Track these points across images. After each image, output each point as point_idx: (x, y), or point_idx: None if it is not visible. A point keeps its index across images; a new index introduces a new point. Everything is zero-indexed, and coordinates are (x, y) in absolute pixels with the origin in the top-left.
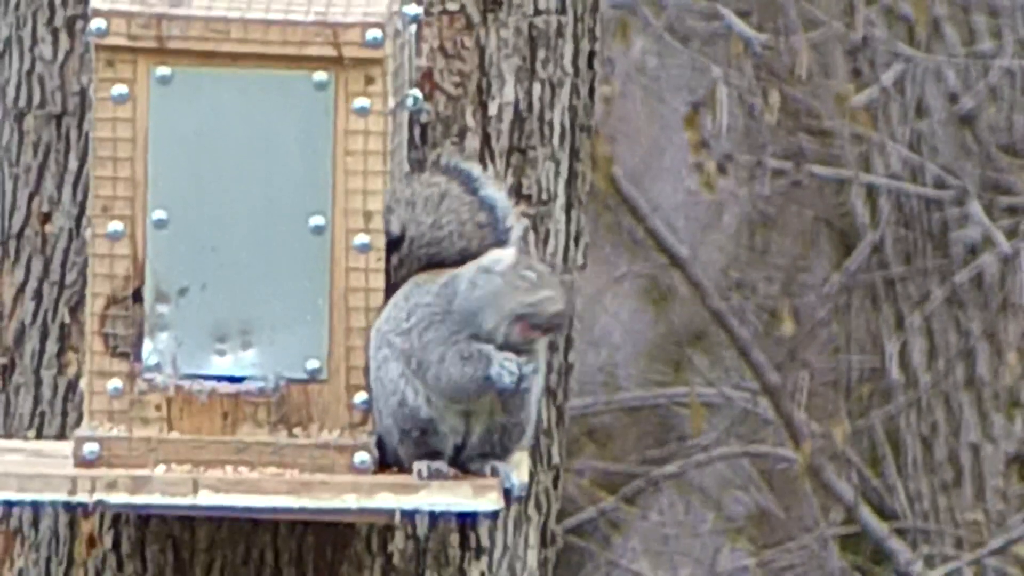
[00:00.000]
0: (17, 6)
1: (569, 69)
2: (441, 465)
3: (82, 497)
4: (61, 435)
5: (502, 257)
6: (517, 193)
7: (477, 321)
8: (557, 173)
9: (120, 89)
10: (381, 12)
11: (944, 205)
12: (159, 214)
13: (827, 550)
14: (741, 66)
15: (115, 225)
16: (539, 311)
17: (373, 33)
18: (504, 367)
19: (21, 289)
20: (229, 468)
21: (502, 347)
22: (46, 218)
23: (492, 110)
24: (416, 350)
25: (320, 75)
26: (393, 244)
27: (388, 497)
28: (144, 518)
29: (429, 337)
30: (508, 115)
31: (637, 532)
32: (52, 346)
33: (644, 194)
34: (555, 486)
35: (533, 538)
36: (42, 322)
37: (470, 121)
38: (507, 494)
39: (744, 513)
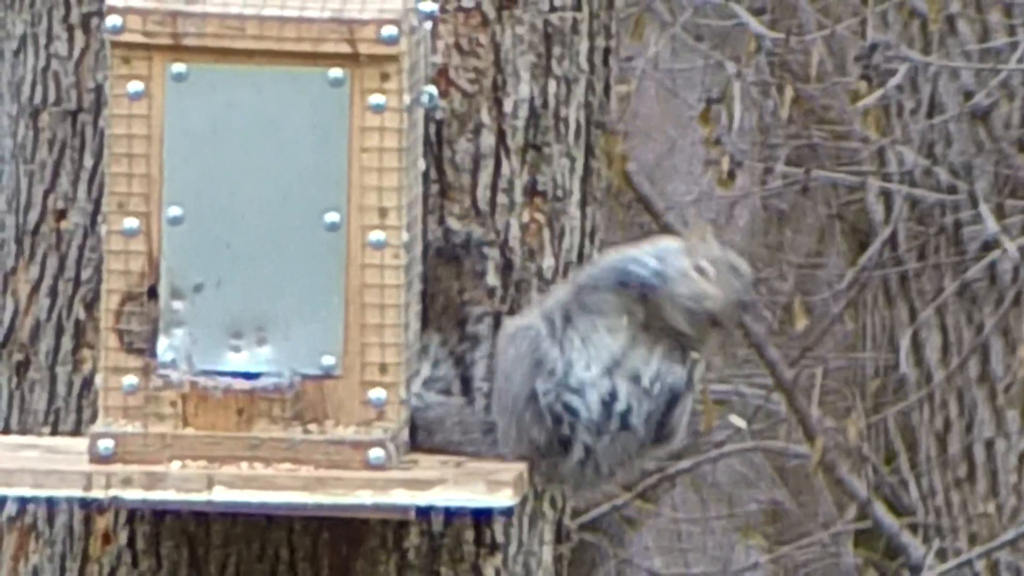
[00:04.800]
0: (32, 3)
1: (584, 66)
2: None
3: (97, 493)
4: (76, 431)
5: (687, 247)
6: (532, 190)
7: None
8: (572, 170)
9: (136, 86)
10: (397, 9)
11: (958, 205)
12: (174, 211)
13: (841, 546)
14: (755, 63)
15: (130, 222)
16: (699, 306)
17: (389, 30)
18: (641, 260)
19: (36, 286)
20: (244, 464)
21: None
22: (61, 215)
23: (507, 107)
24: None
25: (336, 72)
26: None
27: (403, 493)
28: (159, 514)
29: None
30: (523, 112)
31: (651, 529)
32: (67, 343)
33: (658, 191)
34: None
35: (548, 534)
36: (57, 319)
37: (485, 118)
38: None
39: (758, 509)
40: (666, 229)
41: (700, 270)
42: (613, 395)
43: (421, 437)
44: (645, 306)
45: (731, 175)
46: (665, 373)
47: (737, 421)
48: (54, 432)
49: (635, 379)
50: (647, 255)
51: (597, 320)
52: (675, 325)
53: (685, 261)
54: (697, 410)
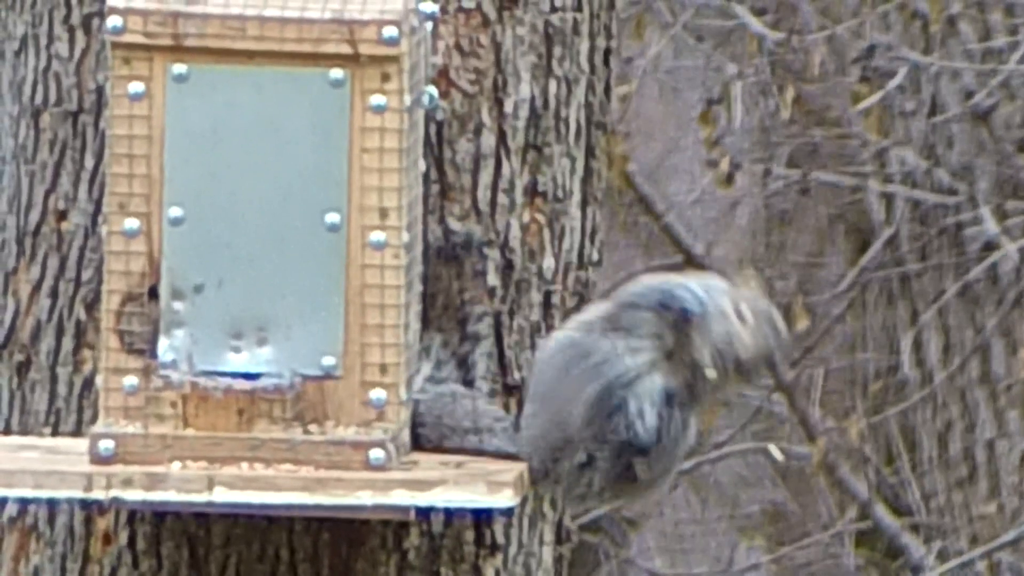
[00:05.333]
0: (33, 4)
1: (585, 66)
2: None
3: (98, 494)
4: (77, 432)
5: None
6: (532, 191)
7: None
8: (573, 170)
9: (136, 87)
10: (397, 9)
11: (960, 206)
12: (175, 211)
13: (842, 546)
14: (756, 64)
15: (131, 222)
16: (729, 348)
17: (389, 31)
18: (688, 287)
19: (37, 287)
20: (244, 465)
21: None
22: (62, 216)
23: (508, 107)
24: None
25: (336, 72)
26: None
27: (403, 494)
28: (159, 515)
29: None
30: (524, 112)
31: (652, 529)
32: (68, 343)
33: (659, 191)
34: None
35: (548, 535)
36: (58, 319)
37: (486, 118)
38: None
39: (759, 510)
40: (666, 230)
41: (740, 315)
42: (620, 407)
43: (429, 427)
44: (676, 335)
45: (729, 178)
46: (635, 415)
47: (775, 452)
48: (55, 433)
49: (637, 398)
50: (694, 284)
51: (619, 342)
52: (700, 361)
53: (728, 302)
54: None
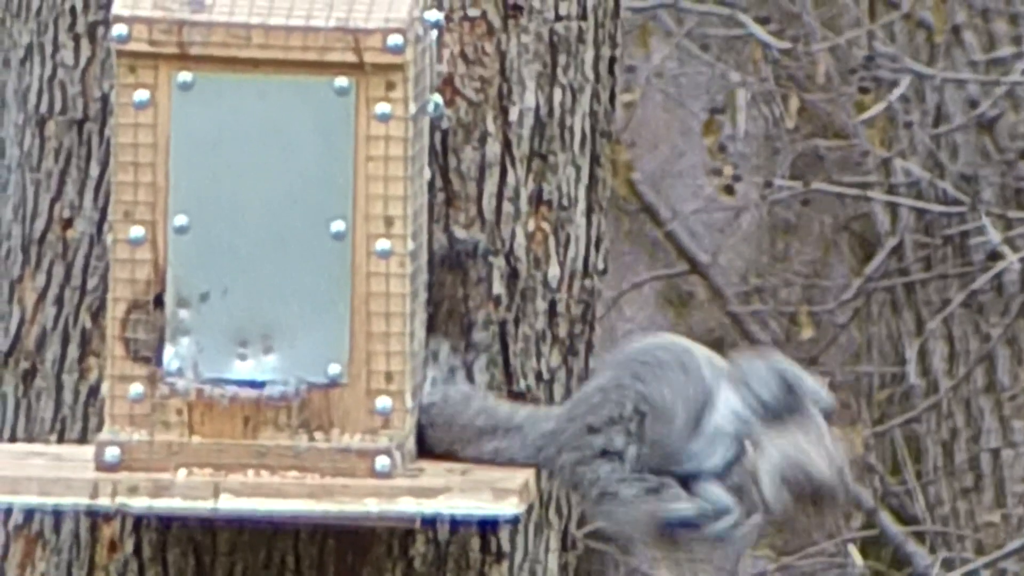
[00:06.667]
0: (39, 12)
1: (590, 75)
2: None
3: (103, 501)
4: (82, 440)
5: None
6: (538, 199)
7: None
8: (578, 179)
9: (142, 95)
10: (402, 18)
11: (964, 215)
12: (180, 219)
13: (848, 555)
14: (760, 72)
15: (136, 230)
16: (798, 458)
17: (394, 39)
18: (817, 392)
19: (42, 294)
20: (250, 472)
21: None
22: (68, 224)
23: (513, 116)
24: None
25: (341, 81)
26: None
27: (409, 501)
28: (165, 522)
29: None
30: (529, 121)
31: None
32: (73, 351)
33: (664, 200)
34: None
35: (554, 543)
36: (63, 327)
37: (491, 127)
38: None
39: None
40: (671, 238)
41: (828, 448)
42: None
43: (441, 429)
44: (766, 414)
45: (729, 190)
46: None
47: (855, 555)
48: (60, 440)
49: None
50: (826, 399)
51: (732, 388)
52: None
53: (829, 433)
54: None
